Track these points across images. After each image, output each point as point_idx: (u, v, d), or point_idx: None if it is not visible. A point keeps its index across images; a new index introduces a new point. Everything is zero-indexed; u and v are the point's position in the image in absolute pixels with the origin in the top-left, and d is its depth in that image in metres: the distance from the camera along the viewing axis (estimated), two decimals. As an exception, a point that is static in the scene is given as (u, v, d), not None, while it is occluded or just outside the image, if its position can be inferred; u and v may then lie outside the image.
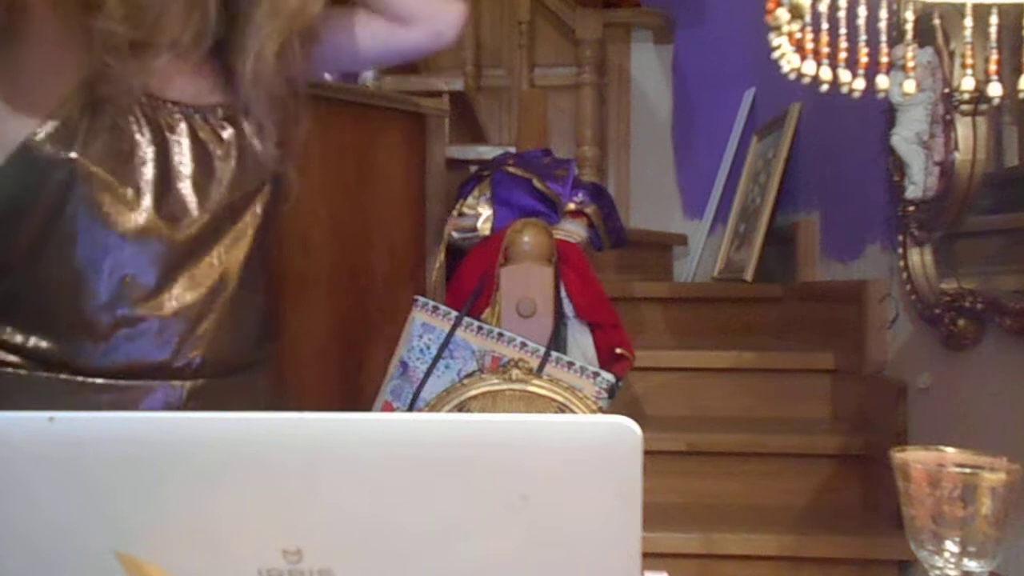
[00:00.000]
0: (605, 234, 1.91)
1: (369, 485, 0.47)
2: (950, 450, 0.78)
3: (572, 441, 0.47)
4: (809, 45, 0.74)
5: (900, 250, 1.76)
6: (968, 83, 0.73)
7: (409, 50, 1.13)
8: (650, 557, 0.52)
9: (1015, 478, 0.72)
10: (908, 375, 1.84)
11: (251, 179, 0.99)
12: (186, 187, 0.94)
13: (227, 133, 0.98)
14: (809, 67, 0.74)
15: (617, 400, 1.60)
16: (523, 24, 3.49)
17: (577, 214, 1.85)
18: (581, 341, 1.72)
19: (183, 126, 0.95)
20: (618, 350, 1.71)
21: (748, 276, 2.72)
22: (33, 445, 0.48)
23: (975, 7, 0.71)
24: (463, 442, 0.48)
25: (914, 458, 0.76)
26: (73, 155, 0.86)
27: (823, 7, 0.72)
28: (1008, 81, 0.72)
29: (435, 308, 1.59)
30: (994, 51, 0.70)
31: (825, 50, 0.74)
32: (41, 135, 0.85)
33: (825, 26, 0.73)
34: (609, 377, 1.47)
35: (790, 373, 2.20)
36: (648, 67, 3.63)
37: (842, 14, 0.72)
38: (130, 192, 0.89)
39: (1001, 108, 1.49)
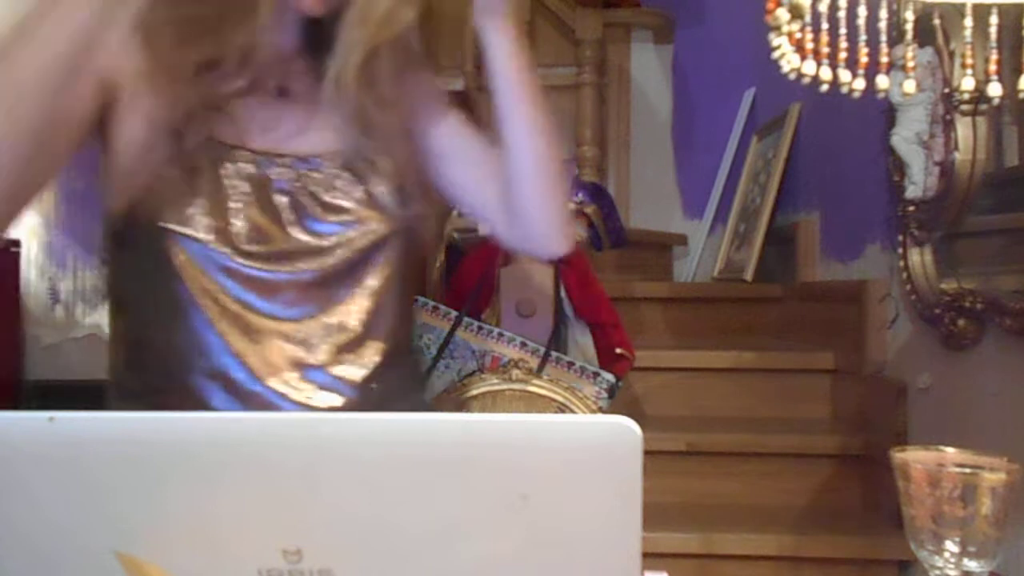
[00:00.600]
0: (605, 234, 1.92)
1: (369, 485, 0.47)
2: (950, 450, 0.78)
3: (572, 441, 0.47)
4: (809, 45, 0.74)
5: (900, 250, 1.76)
6: (968, 83, 0.73)
7: (502, 239, 1.03)
8: (650, 557, 0.52)
9: (1015, 478, 0.72)
10: (908, 375, 1.84)
11: (368, 233, 0.89)
12: (290, 247, 0.85)
13: (344, 183, 0.89)
14: (809, 67, 0.74)
15: (617, 400, 1.60)
16: (523, 24, 3.49)
17: (577, 214, 1.85)
18: (581, 341, 1.72)
19: (283, 180, 0.87)
20: (618, 350, 1.71)
21: (748, 276, 2.72)
22: (33, 445, 0.48)
23: (975, 7, 0.71)
24: (463, 442, 0.48)
25: (914, 458, 0.76)
26: (171, 225, 0.82)
27: (823, 7, 0.72)
28: (1008, 81, 0.72)
29: (435, 308, 1.59)
30: (994, 51, 0.70)
31: (825, 50, 0.74)
32: (141, 207, 0.83)
33: (825, 26, 0.73)
34: (609, 377, 1.47)
35: (790, 373, 2.20)
36: (648, 67, 3.63)
37: (842, 14, 0.72)
38: (229, 257, 0.83)
39: (1001, 108, 1.49)
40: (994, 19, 0.71)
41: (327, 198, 0.88)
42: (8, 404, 3.32)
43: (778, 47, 0.75)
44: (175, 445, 0.48)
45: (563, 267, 1.71)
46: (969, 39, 0.71)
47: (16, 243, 3.96)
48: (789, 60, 0.75)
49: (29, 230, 4.04)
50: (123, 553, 0.49)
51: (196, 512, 0.48)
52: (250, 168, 0.85)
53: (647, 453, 0.47)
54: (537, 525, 0.47)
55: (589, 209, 1.86)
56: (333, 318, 0.87)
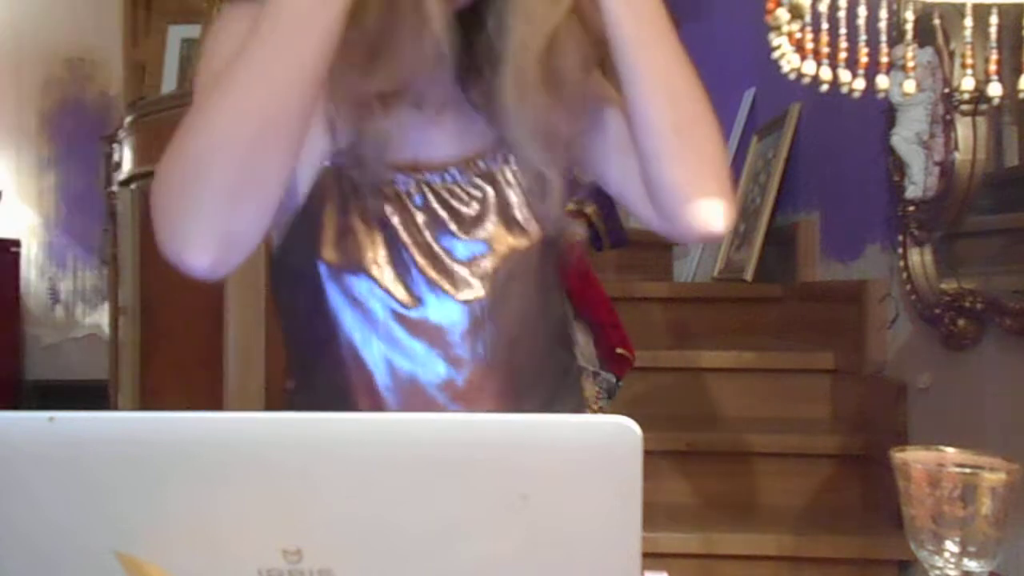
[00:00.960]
0: (605, 234, 1.91)
1: (369, 485, 0.47)
2: (950, 450, 0.78)
3: (572, 441, 0.47)
4: (809, 45, 0.74)
5: (900, 250, 1.76)
6: (968, 83, 0.73)
7: (656, 230, 0.88)
8: (650, 557, 0.52)
9: (1015, 478, 0.72)
10: (908, 375, 1.84)
11: (518, 251, 0.84)
12: (431, 271, 0.82)
13: (482, 193, 0.84)
14: (809, 67, 0.74)
15: (617, 400, 1.60)
16: None
17: (577, 214, 1.85)
18: (581, 341, 1.72)
19: (420, 196, 0.82)
20: (618, 350, 1.71)
21: (748, 276, 2.72)
22: (33, 445, 0.48)
23: (975, 7, 0.71)
24: (463, 442, 0.48)
25: (914, 458, 0.76)
26: (321, 261, 0.80)
27: (823, 7, 0.72)
28: (1008, 81, 0.72)
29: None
30: (994, 51, 0.70)
31: (825, 50, 0.74)
32: (287, 244, 0.82)
33: (825, 26, 0.73)
34: (609, 377, 1.47)
35: (790, 373, 2.20)
36: (648, 67, 3.62)
37: (842, 14, 0.72)
38: (377, 287, 0.81)
39: (1001, 108, 1.49)
40: (994, 19, 0.71)
41: (466, 210, 0.83)
42: (8, 404, 3.32)
43: (778, 47, 0.75)
44: (175, 445, 0.48)
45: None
46: (969, 39, 0.71)
47: (16, 243, 3.96)
48: (789, 60, 0.75)
49: (29, 230, 4.05)
50: (123, 553, 0.49)
51: (196, 512, 0.48)
52: (394, 187, 0.82)
53: (647, 453, 0.47)
54: (537, 525, 0.47)
55: (589, 209, 1.86)
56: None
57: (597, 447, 0.47)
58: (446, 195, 0.83)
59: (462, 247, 0.82)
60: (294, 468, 0.47)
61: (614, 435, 0.46)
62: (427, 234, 0.82)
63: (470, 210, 0.83)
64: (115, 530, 0.49)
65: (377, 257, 0.81)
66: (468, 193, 0.83)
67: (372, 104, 0.78)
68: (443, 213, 0.82)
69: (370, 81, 0.77)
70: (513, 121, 0.81)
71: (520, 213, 0.84)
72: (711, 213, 0.81)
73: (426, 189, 0.82)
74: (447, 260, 0.82)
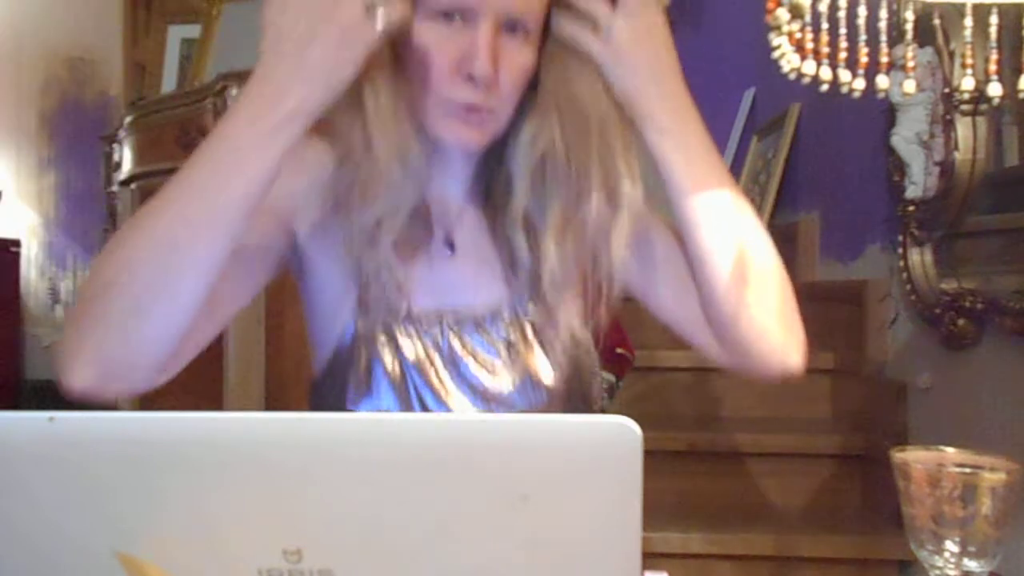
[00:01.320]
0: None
1: (369, 485, 0.47)
2: (950, 450, 0.78)
3: (572, 441, 0.47)
4: (809, 45, 0.74)
5: (900, 250, 1.76)
6: (968, 83, 0.73)
7: (720, 363, 0.85)
8: (650, 557, 0.52)
9: (1015, 478, 0.72)
10: (908, 375, 1.84)
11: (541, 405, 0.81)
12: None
13: (506, 341, 0.82)
14: (809, 67, 0.74)
15: (617, 400, 1.60)
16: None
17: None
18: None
19: (446, 342, 0.81)
20: (618, 350, 1.71)
21: (748, 276, 2.71)
22: (33, 445, 0.48)
23: (975, 7, 0.71)
24: (463, 442, 0.48)
25: (914, 458, 0.76)
26: (352, 406, 0.80)
27: (823, 7, 0.72)
28: (1008, 81, 0.72)
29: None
30: (994, 51, 0.70)
31: (825, 50, 0.74)
32: (322, 381, 0.82)
33: (825, 26, 0.73)
34: (609, 377, 1.47)
35: (790, 373, 2.20)
36: (648, 67, 3.62)
37: (842, 14, 0.72)
38: None
39: (1001, 108, 1.49)
40: (994, 19, 0.71)
41: (489, 357, 0.82)
42: (8, 404, 3.32)
43: (778, 47, 0.75)
44: (175, 445, 0.48)
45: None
46: (969, 39, 0.71)
47: (16, 243, 3.96)
48: (789, 60, 0.75)
49: (29, 230, 4.04)
50: (123, 553, 0.49)
51: (196, 512, 0.48)
52: (416, 332, 0.81)
53: (647, 453, 0.47)
54: (537, 525, 0.47)
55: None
56: None
57: (597, 447, 0.47)
58: (470, 342, 0.81)
59: (475, 393, 0.82)
60: (294, 468, 0.47)
61: (614, 435, 0.46)
62: (450, 383, 0.81)
63: (494, 358, 0.82)
64: (115, 530, 0.49)
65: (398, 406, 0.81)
66: (492, 341, 0.82)
67: (382, 245, 0.77)
68: (467, 360, 0.81)
69: (363, 215, 0.76)
70: (545, 269, 0.80)
71: (543, 365, 0.82)
72: (785, 353, 0.80)
73: (451, 336, 0.81)
74: (471, 397, 0.82)
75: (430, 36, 0.73)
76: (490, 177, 0.82)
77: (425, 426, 0.49)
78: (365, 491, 0.47)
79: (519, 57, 0.74)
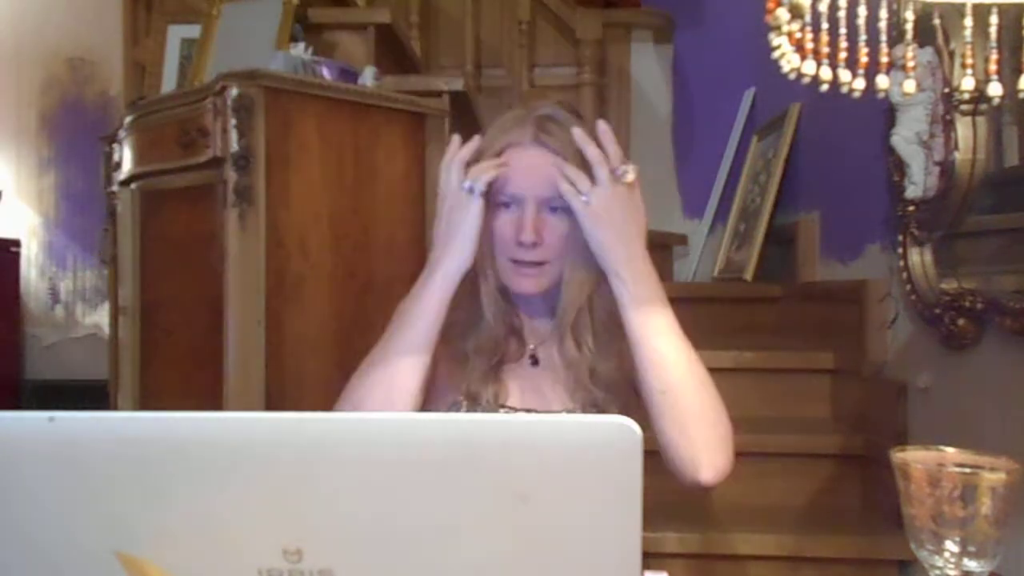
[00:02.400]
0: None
1: (369, 485, 0.47)
2: (950, 450, 0.78)
3: (572, 441, 0.47)
4: (809, 45, 0.74)
5: (900, 250, 1.76)
6: (968, 83, 0.73)
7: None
8: (650, 557, 0.52)
9: (1015, 478, 0.72)
10: (908, 375, 1.84)
11: None
12: None
13: None
14: (809, 67, 0.74)
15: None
16: (523, 24, 3.49)
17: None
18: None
19: None
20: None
21: (748, 276, 2.71)
22: (33, 444, 0.48)
23: (975, 7, 0.71)
24: (463, 442, 0.48)
25: (914, 458, 0.76)
26: None
27: (823, 7, 0.72)
28: (1008, 81, 0.72)
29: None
30: (994, 51, 0.70)
31: (825, 50, 0.74)
32: None
33: (825, 26, 0.73)
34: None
35: (790, 373, 2.20)
36: (648, 67, 3.63)
37: (842, 14, 0.72)
38: None
39: (1001, 108, 1.49)
40: (994, 19, 0.71)
41: None
42: (8, 404, 3.32)
43: (778, 47, 0.75)
44: (175, 445, 0.48)
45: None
46: (969, 39, 0.71)
47: (16, 243, 3.96)
48: (789, 60, 0.75)
49: (29, 230, 4.04)
50: (123, 553, 0.49)
51: (196, 512, 0.48)
52: None
53: (647, 453, 0.47)
54: (537, 525, 0.47)
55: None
56: None
57: (597, 447, 0.47)
58: None
59: None
60: (294, 468, 0.47)
61: (614, 435, 0.46)
62: None
63: None
64: (115, 530, 0.49)
65: None
66: None
67: (478, 363, 1.07)
68: None
69: (466, 343, 1.08)
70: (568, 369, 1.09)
71: None
72: (695, 468, 1.02)
73: None
74: None
75: (498, 219, 1.06)
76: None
77: (425, 426, 0.49)
78: (365, 491, 0.47)
79: (560, 227, 1.06)
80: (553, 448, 0.47)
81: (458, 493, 0.47)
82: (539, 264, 1.06)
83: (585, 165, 1.04)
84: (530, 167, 1.06)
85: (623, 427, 0.46)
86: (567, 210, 1.04)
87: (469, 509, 0.47)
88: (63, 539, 0.49)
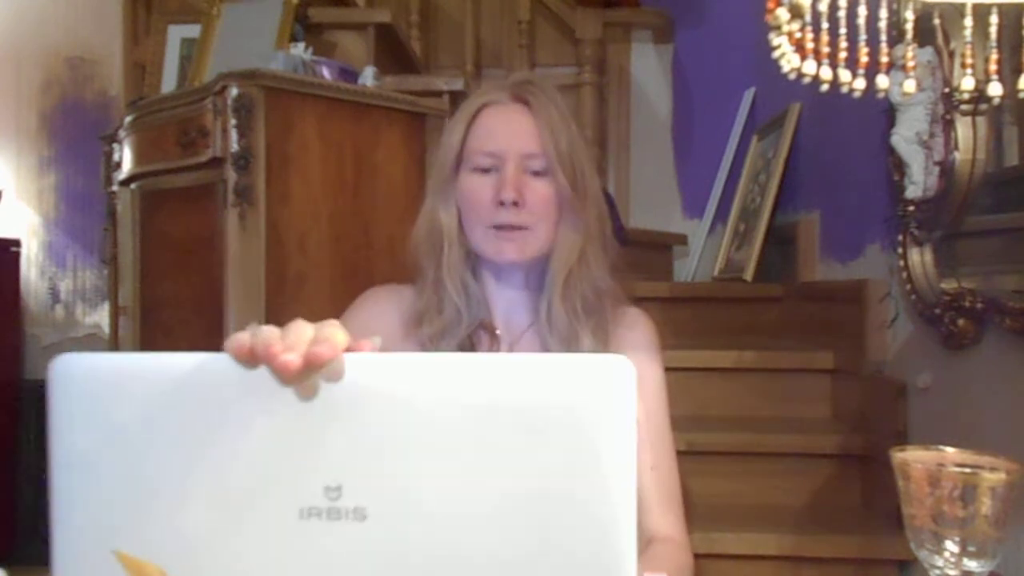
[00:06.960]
0: (605, 234, 1.91)
1: (404, 424, 0.50)
2: (950, 450, 0.78)
3: (575, 377, 0.51)
4: (809, 45, 0.74)
5: (900, 250, 1.76)
6: (968, 83, 0.73)
7: None
8: (650, 557, 0.52)
9: (1015, 478, 0.72)
10: (908, 375, 1.84)
11: None
12: None
13: None
14: (809, 67, 0.74)
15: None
16: (523, 24, 3.49)
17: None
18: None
19: None
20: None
21: (748, 276, 2.71)
22: (95, 383, 0.51)
23: (975, 7, 0.71)
24: (476, 382, 0.51)
25: (914, 458, 0.76)
26: None
27: (823, 7, 0.72)
28: (1008, 81, 0.72)
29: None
30: (994, 51, 0.70)
31: (825, 50, 0.74)
32: None
33: (825, 26, 0.73)
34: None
35: (790, 373, 2.20)
36: (648, 67, 3.63)
37: (842, 14, 0.72)
38: None
39: (1001, 108, 1.48)
40: (994, 19, 0.71)
41: None
42: (8, 404, 3.32)
43: (778, 47, 0.75)
44: (219, 386, 0.51)
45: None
46: (969, 39, 0.71)
47: (16, 243, 3.95)
48: (789, 60, 0.75)
49: (29, 230, 4.04)
50: (123, 553, 0.49)
51: (241, 449, 0.50)
52: None
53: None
54: (547, 463, 0.50)
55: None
56: None
57: (595, 382, 0.50)
58: None
59: None
60: (337, 408, 0.50)
61: (611, 371, 0.50)
62: None
63: None
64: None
65: None
66: None
67: (444, 347, 1.01)
68: None
69: (431, 326, 1.03)
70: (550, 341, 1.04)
71: None
72: None
73: None
74: None
75: (474, 183, 1.01)
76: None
77: (454, 367, 0.52)
78: (400, 430, 0.50)
79: (542, 190, 1.00)
80: (559, 385, 0.50)
81: (481, 433, 0.50)
82: (521, 229, 1.01)
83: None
84: (510, 121, 1.01)
85: (618, 363, 0.50)
86: (549, 173, 1.00)
87: (491, 450, 0.49)
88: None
